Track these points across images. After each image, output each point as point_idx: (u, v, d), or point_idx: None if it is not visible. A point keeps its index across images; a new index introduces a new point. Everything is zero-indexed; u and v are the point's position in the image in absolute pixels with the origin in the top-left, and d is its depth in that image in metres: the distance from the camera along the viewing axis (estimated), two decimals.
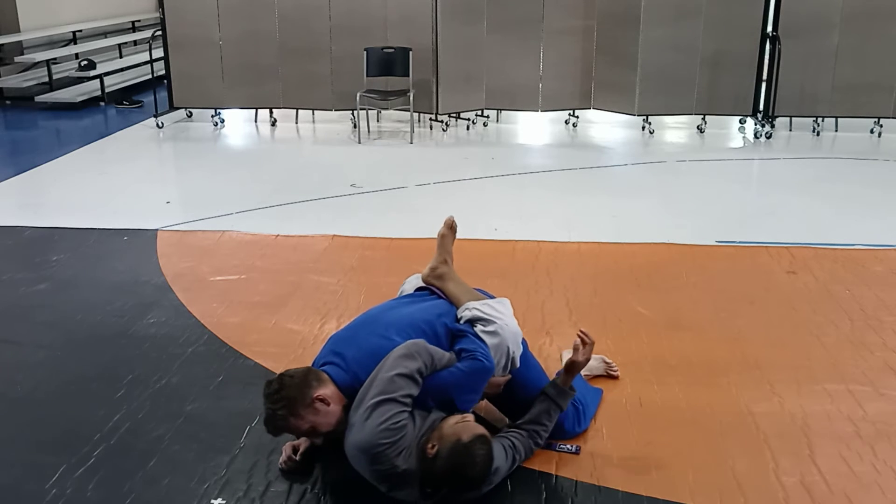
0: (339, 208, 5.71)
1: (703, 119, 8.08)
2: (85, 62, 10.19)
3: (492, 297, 2.94)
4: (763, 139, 7.75)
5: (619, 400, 3.15)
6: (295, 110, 8.44)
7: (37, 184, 6.50)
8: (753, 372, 3.35)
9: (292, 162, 7.18)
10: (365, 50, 7.72)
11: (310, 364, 2.71)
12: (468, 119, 8.35)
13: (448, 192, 6.16)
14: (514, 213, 5.54)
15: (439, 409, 2.55)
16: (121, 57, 11.60)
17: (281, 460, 2.73)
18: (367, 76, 7.75)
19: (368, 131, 8.11)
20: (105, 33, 12.12)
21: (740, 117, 8.14)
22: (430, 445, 2.41)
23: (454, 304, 2.86)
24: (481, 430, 2.48)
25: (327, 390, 2.53)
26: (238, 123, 8.60)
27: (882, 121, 7.84)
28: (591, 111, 8.21)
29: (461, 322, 2.77)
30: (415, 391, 2.46)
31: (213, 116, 8.38)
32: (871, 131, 7.89)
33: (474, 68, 7.92)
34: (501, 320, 2.73)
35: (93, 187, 6.26)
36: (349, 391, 2.54)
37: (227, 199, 5.84)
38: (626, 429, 2.96)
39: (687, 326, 3.78)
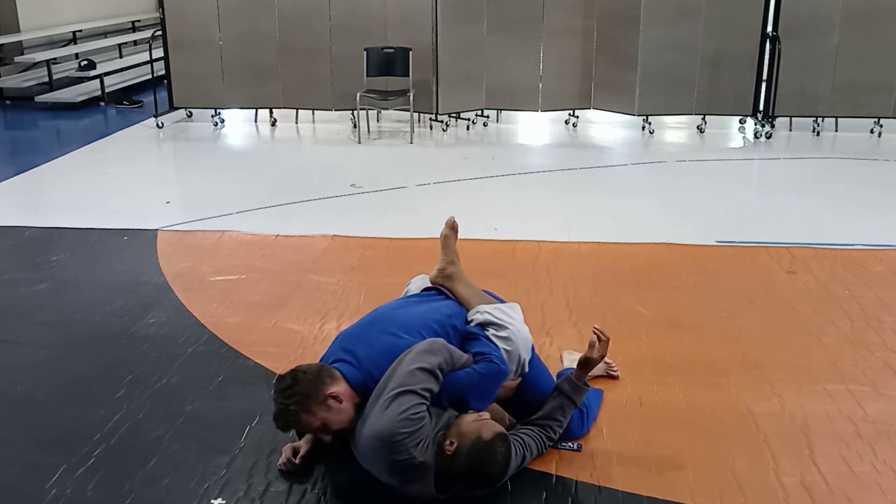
0: (339, 208, 5.72)
1: (703, 119, 8.08)
2: (85, 62, 10.19)
3: (501, 300, 2.95)
4: (763, 139, 7.75)
5: (619, 400, 3.15)
6: (295, 110, 8.44)
7: (37, 184, 6.50)
8: (753, 372, 3.35)
9: (292, 162, 7.18)
10: (365, 50, 7.72)
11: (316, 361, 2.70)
12: (468, 119, 8.35)
13: (448, 192, 6.16)
14: (514, 213, 5.54)
15: (452, 409, 2.55)
16: (121, 57, 11.60)
17: (280, 461, 2.72)
18: (367, 76, 7.75)
19: (368, 131, 8.11)
20: (105, 33, 12.12)
21: (740, 117, 8.14)
22: (448, 442, 2.41)
23: (464, 306, 2.86)
24: (500, 428, 2.49)
25: (340, 388, 2.52)
26: (238, 123, 8.60)
27: (882, 121, 7.84)
28: (591, 111, 8.21)
29: (472, 325, 2.77)
30: (435, 386, 2.46)
31: (213, 116, 8.38)
32: (871, 131, 7.89)
33: (474, 68, 7.92)
34: (514, 326, 2.73)
35: (93, 187, 6.26)
36: (361, 389, 2.54)
37: (227, 199, 5.84)
38: (626, 429, 2.96)
39: (687, 326, 3.78)
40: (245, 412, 3.05)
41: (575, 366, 2.79)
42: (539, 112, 8.15)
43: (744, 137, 8.00)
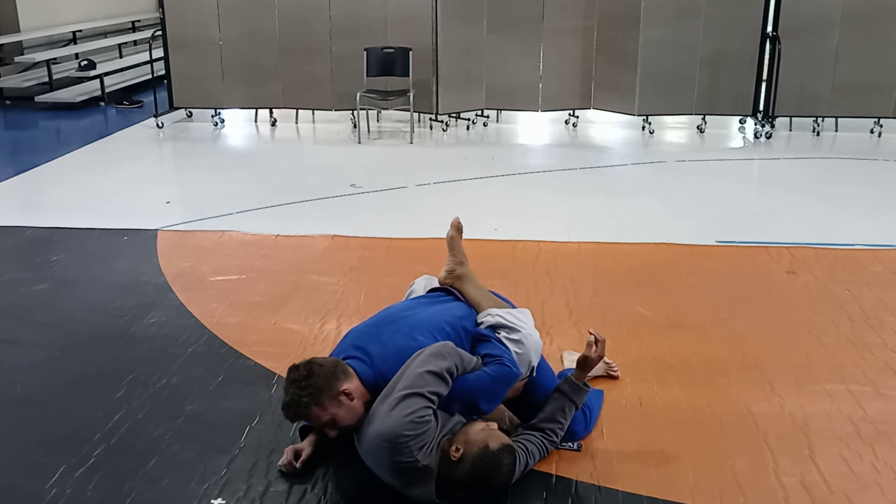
0: (339, 208, 5.72)
1: (703, 119, 8.08)
2: (85, 62, 10.19)
3: (509, 303, 2.95)
4: (763, 139, 7.74)
5: (619, 400, 3.15)
6: (295, 110, 8.44)
7: (37, 184, 6.50)
8: (753, 372, 3.35)
9: (292, 162, 7.18)
10: (365, 50, 7.72)
11: None
12: (468, 119, 8.35)
13: (448, 192, 6.16)
14: (514, 213, 5.54)
15: (461, 413, 2.55)
16: (121, 57, 11.59)
17: (281, 462, 2.72)
18: (367, 76, 7.75)
19: (368, 131, 8.11)
20: (105, 33, 12.11)
21: (740, 117, 8.14)
22: (454, 448, 2.41)
23: (474, 308, 2.86)
24: (507, 440, 2.50)
25: (352, 384, 2.52)
26: (238, 123, 8.60)
27: (882, 121, 7.84)
28: (591, 111, 8.21)
29: (482, 327, 2.77)
30: (443, 390, 2.45)
31: (213, 116, 8.38)
32: (871, 131, 7.89)
33: (474, 68, 7.92)
34: (525, 329, 2.73)
35: (93, 187, 6.26)
36: (372, 387, 2.54)
37: (227, 199, 5.84)
38: (626, 429, 2.96)
39: (687, 326, 3.78)
40: (245, 412, 3.05)
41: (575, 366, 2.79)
42: (539, 112, 8.15)
43: (744, 137, 8.00)
